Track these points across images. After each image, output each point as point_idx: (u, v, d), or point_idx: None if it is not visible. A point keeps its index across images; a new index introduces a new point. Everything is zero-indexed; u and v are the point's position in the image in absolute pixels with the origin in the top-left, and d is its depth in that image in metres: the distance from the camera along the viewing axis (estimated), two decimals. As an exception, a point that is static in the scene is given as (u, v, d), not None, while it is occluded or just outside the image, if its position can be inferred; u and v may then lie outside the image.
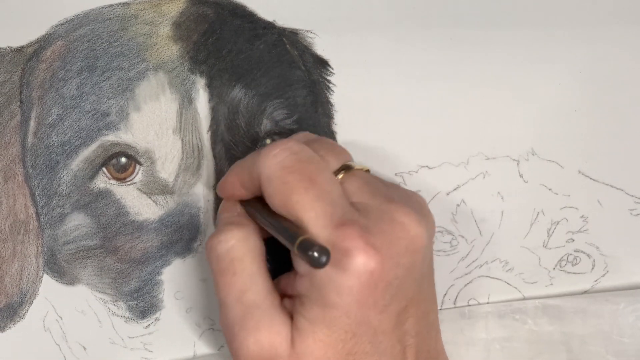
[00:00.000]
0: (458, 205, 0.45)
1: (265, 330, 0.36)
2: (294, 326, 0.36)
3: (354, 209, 0.36)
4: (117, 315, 0.45)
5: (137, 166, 0.43)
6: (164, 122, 0.43)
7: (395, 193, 0.38)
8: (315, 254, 0.33)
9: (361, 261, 0.34)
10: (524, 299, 0.45)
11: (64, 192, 0.44)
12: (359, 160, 0.45)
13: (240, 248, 0.37)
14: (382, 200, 0.37)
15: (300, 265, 0.36)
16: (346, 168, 0.38)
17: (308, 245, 0.34)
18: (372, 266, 0.34)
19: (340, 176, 0.38)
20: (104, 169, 0.43)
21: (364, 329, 0.35)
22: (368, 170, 0.40)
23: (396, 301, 0.35)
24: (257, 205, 0.38)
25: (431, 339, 0.38)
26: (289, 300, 0.37)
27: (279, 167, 0.36)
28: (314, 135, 0.40)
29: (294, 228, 0.35)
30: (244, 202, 0.40)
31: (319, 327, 0.35)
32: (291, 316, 0.37)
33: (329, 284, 0.34)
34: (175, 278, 0.45)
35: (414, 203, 0.38)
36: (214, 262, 0.37)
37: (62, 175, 0.44)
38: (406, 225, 0.36)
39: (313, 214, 0.35)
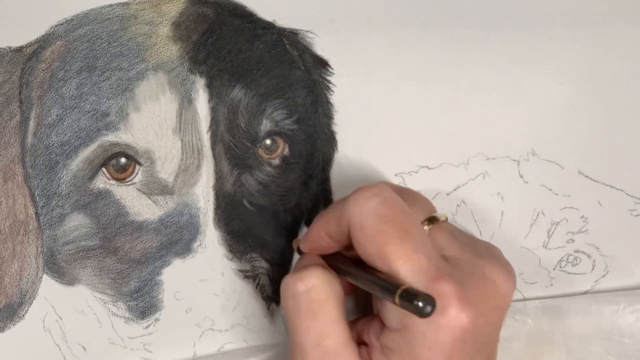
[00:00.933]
0: (458, 205, 0.45)
1: None
2: None
3: (446, 263, 0.36)
4: (117, 315, 0.45)
5: (137, 166, 0.43)
6: (163, 123, 0.43)
7: (480, 246, 0.38)
8: (421, 304, 0.32)
9: (455, 317, 0.34)
10: (524, 299, 0.45)
11: (63, 193, 0.44)
12: (358, 160, 0.45)
13: (324, 291, 0.36)
14: (472, 255, 0.36)
15: (390, 319, 0.35)
16: (431, 219, 0.38)
17: (412, 295, 0.33)
18: (465, 322, 0.34)
19: (427, 228, 0.37)
20: (104, 169, 0.43)
21: None
22: (447, 219, 0.40)
23: (478, 356, 0.35)
24: (341, 259, 0.37)
25: None
26: (365, 349, 0.37)
27: (372, 214, 0.35)
28: (397, 185, 0.40)
29: (389, 279, 0.35)
30: (326, 257, 0.38)
31: None
32: None
33: (422, 339, 0.34)
34: (175, 278, 0.45)
35: (500, 258, 0.38)
36: (290, 301, 0.36)
37: (61, 176, 0.44)
38: (497, 284, 0.35)
39: (410, 267, 0.34)
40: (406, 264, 0.34)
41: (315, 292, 0.36)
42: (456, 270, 0.35)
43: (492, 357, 0.36)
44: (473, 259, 0.36)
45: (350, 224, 0.35)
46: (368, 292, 0.38)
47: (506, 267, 0.36)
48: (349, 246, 0.38)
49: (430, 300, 0.32)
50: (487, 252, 0.37)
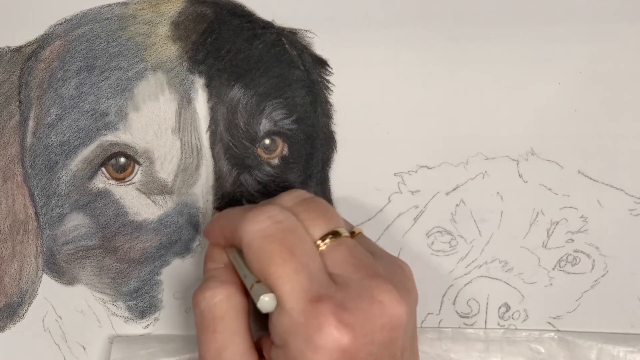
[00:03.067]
0: (457, 205, 0.45)
1: None
2: None
3: (331, 283, 0.36)
4: (117, 315, 0.45)
5: (136, 166, 0.43)
6: (162, 122, 0.43)
7: (381, 264, 0.38)
8: (266, 298, 0.35)
9: (333, 338, 0.34)
10: (540, 330, 0.46)
11: (63, 192, 0.44)
12: (357, 159, 0.45)
13: (223, 306, 0.37)
14: (364, 275, 0.36)
15: (275, 334, 0.36)
16: (334, 234, 0.38)
17: (257, 291, 0.35)
18: (344, 343, 0.34)
19: (326, 242, 0.38)
20: (103, 169, 0.43)
21: None
22: (360, 232, 0.40)
23: None
24: (238, 258, 0.39)
25: None
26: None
27: (260, 235, 0.36)
28: (307, 195, 0.40)
29: (254, 276, 0.37)
30: (228, 251, 0.40)
31: None
32: None
33: (299, 357, 0.35)
34: (174, 278, 0.45)
35: (398, 276, 0.38)
36: (197, 317, 0.38)
37: (61, 176, 0.44)
38: (385, 304, 0.35)
39: (289, 287, 0.35)
40: (286, 284, 0.35)
41: (216, 307, 0.37)
42: (341, 291, 0.36)
43: None
44: (363, 279, 0.36)
45: (242, 241, 0.37)
46: None
47: (398, 287, 0.37)
48: None
49: (272, 297, 0.35)
50: (386, 271, 0.38)
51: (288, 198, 0.39)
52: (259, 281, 0.36)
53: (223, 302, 0.37)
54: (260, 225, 0.36)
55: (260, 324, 0.40)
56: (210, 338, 0.37)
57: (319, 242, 0.38)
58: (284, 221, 0.37)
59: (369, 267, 0.37)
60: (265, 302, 0.35)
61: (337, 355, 0.34)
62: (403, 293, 0.37)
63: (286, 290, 0.35)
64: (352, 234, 0.39)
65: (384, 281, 0.36)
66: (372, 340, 0.35)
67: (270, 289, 0.35)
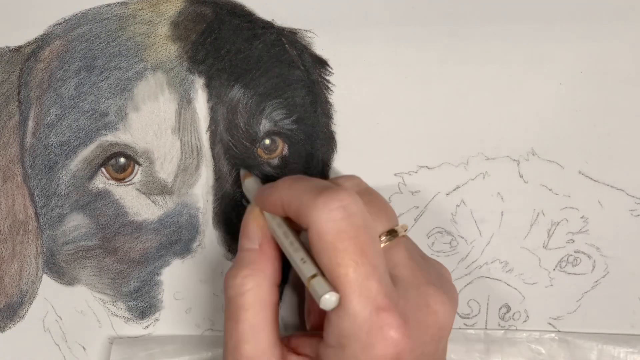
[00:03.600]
0: (458, 205, 0.45)
1: None
2: None
3: (394, 289, 0.36)
4: (117, 315, 0.45)
5: (136, 166, 0.43)
6: (162, 122, 0.43)
7: (432, 269, 0.38)
8: (327, 296, 0.34)
9: (393, 350, 0.34)
10: (540, 330, 0.46)
11: (62, 193, 0.44)
12: (357, 159, 0.45)
13: (250, 297, 0.37)
14: (421, 282, 0.37)
15: (329, 334, 0.36)
16: (391, 232, 0.38)
17: (320, 287, 0.35)
18: (401, 354, 0.35)
19: (385, 240, 0.38)
20: (103, 169, 0.43)
21: None
22: (405, 230, 0.40)
23: None
24: (285, 229, 0.38)
25: None
26: (297, 358, 0.38)
27: (332, 227, 0.35)
28: (365, 185, 0.40)
29: (312, 262, 0.36)
30: (271, 218, 0.39)
31: None
32: None
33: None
34: (174, 278, 0.45)
35: (446, 284, 0.38)
36: (225, 302, 0.38)
37: (60, 176, 0.44)
38: (439, 315, 0.36)
39: (358, 293, 0.34)
40: (355, 290, 0.34)
41: (242, 298, 0.37)
42: (403, 297, 0.36)
43: None
44: (421, 285, 0.37)
45: (310, 226, 0.35)
46: (315, 306, 0.39)
47: (450, 297, 0.37)
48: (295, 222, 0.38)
49: (335, 296, 0.34)
50: (436, 276, 0.38)
51: (350, 184, 0.39)
52: (316, 275, 0.35)
53: (250, 293, 0.37)
54: (333, 215, 0.35)
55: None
56: (233, 327, 0.37)
57: (382, 237, 0.37)
58: (356, 214, 0.35)
59: (425, 273, 0.37)
60: (327, 301, 0.34)
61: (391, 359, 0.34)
62: (453, 303, 0.37)
63: (355, 296, 0.34)
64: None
65: (439, 291, 0.37)
66: (422, 351, 0.35)
67: (334, 287, 0.35)
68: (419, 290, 0.36)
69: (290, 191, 0.37)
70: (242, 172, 0.43)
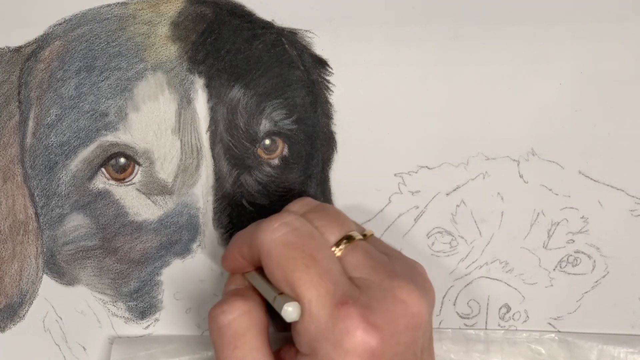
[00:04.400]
0: (458, 205, 0.45)
1: None
2: None
3: (354, 286, 0.36)
4: (117, 315, 0.45)
5: (136, 167, 0.43)
6: (162, 123, 0.43)
7: (398, 265, 0.38)
8: (290, 308, 0.35)
9: (362, 340, 0.34)
10: (540, 331, 0.46)
11: (63, 193, 0.44)
12: (357, 160, 0.45)
13: (244, 321, 0.37)
14: (384, 276, 0.37)
15: (301, 344, 0.36)
16: (347, 238, 0.38)
17: (280, 302, 0.35)
18: (373, 345, 0.34)
19: (341, 247, 0.38)
20: (103, 169, 0.43)
21: None
22: (372, 234, 0.40)
23: None
24: (256, 278, 0.39)
25: None
26: None
27: (279, 242, 0.36)
28: (316, 202, 0.40)
29: (275, 289, 0.37)
30: (246, 275, 0.40)
31: None
32: None
33: None
34: (174, 279, 0.45)
35: (416, 276, 0.38)
36: (215, 332, 0.37)
37: (61, 176, 0.44)
38: (408, 303, 0.36)
39: (315, 293, 0.35)
40: (311, 290, 0.35)
41: (236, 323, 0.37)
42: (364, 293, 0.36)
43: None
44: (384, 280, 0.37)
45: (260, 252, 0.37)
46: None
47: (419, 286, 0.37)
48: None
49: (295, 306, 0.35)
50: (404, 272, 0.38)
51: (298, 206, 0.39)
52: (281, 293, 0.36)
53: (244, 317, 0.37)
54: (277, 233, 0.36)
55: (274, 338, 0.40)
56: (230, 355, 0.37)
57: (334, 247, 0.38)
58: (300, 227, 0.37)
59: (388, 269, 0.37)
60: (290, 312, 0.35)
61: (366, 357, 0.34)
62: (423, 292, 0.37)
63: (313, 296, 0.35)
64: (364, 236, 0.39)
65: (405, 281, 0.36)
66: (397, 341, 0.35)
67: (293, 299, 0.35)
68: (382, 284, 0.36)
69: (240, 236, 0.39)
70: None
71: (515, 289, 0.46)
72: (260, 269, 0.39)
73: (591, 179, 0.45)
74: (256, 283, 0.39)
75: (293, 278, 0.35)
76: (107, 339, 0.45)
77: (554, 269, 0.46)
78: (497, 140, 0.45)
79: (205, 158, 0.44)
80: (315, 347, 0.35)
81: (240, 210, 0.44)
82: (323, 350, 0.35)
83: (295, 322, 0.36)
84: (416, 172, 0.45)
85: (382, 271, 0.37)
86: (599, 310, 0.46)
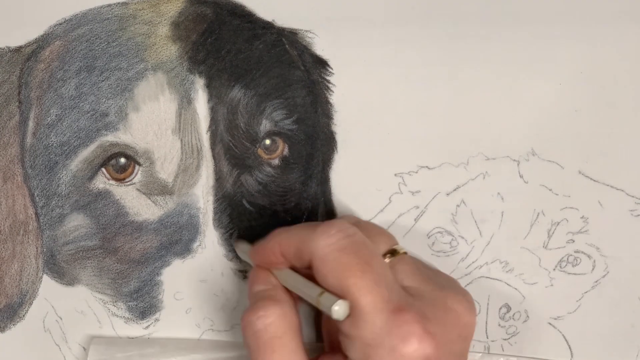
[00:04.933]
0: (458, 205, 0.45)
1: None
2: None
3: (407, 294, 0.36)
4: (117, 315, 0.45)
5: (136, 167, 0.43)
6: (163, 123, 0.43)
7: (440, 278, 0.39)
8: (336, 307, 0.35)
9: (418, 347, 0.34)
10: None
11: (63, 193, 0.44)
12: (358, 160, 0.45)
13: (280, 325, 0.37)
14: (433, 287, 0.37)
15: (353, 351, 0.36)
16: (392, 252, 0.39)
17: (328, 299, 0.35)
18: (428, 352, 0.34)
19: (387, 260, 0.39)
20: (103, 169, 0.43)
21: None
22: (406, 252, 0.41)
23: None
24: (292, 276, 0.39)
25: None
26: None
27: (334, 248, 0.36)
28: (358, 219, 0.41)
29: (317, 287, 0.37)
30: (277, 272, 0.40)
31: None
32: None
33: None
34: (174, 279, 0.45)
35: (459, 289, 0.39)
36: (251, 338, 0.37)
37: (61, 176, 0.44)
38: (459, 313, 0.36)
39: (370, 298, 0.35)
40: (367, 295, 0.35)
41: (272, 327, 0.37)
42: (418, 301, 0.36)
43: None
44: (434, 290, 0.37)
45: (313, 255, 0.37)
46: (330, 328, 0.40)
47: (466, 297, 0.38)
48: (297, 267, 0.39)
49: (343, 305, 0.35)
50: (447, 283, 0.39)
51: (343, 219, 0.40)
52: (323, 292, 0.36)
53: (280, 320, 0.37)
54: (332, 238, 0.36)
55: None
56: (269, 358, 0.37)
57: (385, 258, 0.38)
58: (355, 234, 0.37)
59: (435, 280, 0.38)
60: (337, 311, 0.35)
61: None
62: (471, 302, 0.38)
63: (368, 302, 0.35)
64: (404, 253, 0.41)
65: (453, 292, 0.37)
66: (450, 350, 0.35)
67: (338, 297, 0.35)
68: (433, 294, 0.37)
69: (287, 234, 0.39)
70: (235, 242, 0.44)
71: (516, 288, 0.46)
72: (293, 268, 0.39)
73: (591, 179, 0.45)
74: (293, 282, 0.39)
75: (348, 283, 0.35)
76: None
77: (554, 269, 0.46)
78: (497, 140, 0.45)
79: (206, 158, 0.44)
80: (368, 353, 0.35)
81: (240, 210, 0.44)
82: (377, 357, 0.35)
83: (348, 327, 0.35)
84: (416, 172, 0.45)
85: (430, 283, 0.38)
86: (599, 309, 0.46)
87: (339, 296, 0.35)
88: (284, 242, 0.39)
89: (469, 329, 0.37)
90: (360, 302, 0.35)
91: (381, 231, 0.40)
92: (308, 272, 0.38)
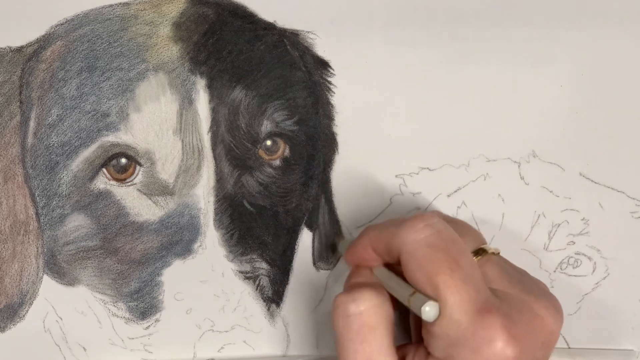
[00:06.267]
0: (459, 207, 0.45)
1: None
2: None
3: (495, 296, 0.36)
4: (117, 316, 0.45)
5: (137, 167, 0.43)
6: (164, 123, 0.43)
7: (528, 281, 0.38)
8: (427, 308, 0.34)
9: (501, 351, 0.34)
10: None
11: (64, 193, 0.44)
12: (359, 161, 0.45)
13: (375, 315, 0.36)
14: (520, 290, 0.37)
15: (436, 347, 0.36)
16: (480, 251, 0.38)
17: (419, 299, 0.35)
18: (511, 357, 0.34)
19: (479, 257, 0.38)
20: (104, 169, 0.43)
21: None
22: (499, 252, 0.40)
23: None
24: (384, 273, 0.38)
25: None
26: None
27: (424, 243, 0.36)
28: (448, 215, 0.41)
29: (409, 287, 0.36)
30: (374, 269, 0.39)
31: None
32: None
33: None
34: (175, 279, 0.45)
35: (548, 294, 0.38)
36: (341, 322, 0.36)
37: (62, 176, 0.44)
38: (545, 320, 0.36)
39: (458, 297, 0.34)
40: (455, 294, 0.34)
41: (367, 315, 0.36)
42: (504, 304, 0.36)
43: None
44: (521, 294, 0.37)
45: (401, 250, 0.36)
46: (417, 321, 0.39)
47: (553, 304, 0.37)
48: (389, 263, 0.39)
49: (434, 306, 0.34)
50: (535, 288, 0.38)
51: (431, 214, 0.39)
52: (415, 292, 0.35)
53: (375, 310, 0.36)
54: (422, 233, 0.36)
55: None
56: (358, 348, 0.36)
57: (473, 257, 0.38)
58: (444, 230, 0.36)
59: (522, 284, 0.37)
60: (427, 312, 0.34)
61: None
62: (558, 309, 0.37)
63: (455, 301, 0.34)
64: (494, 253, 0.40)
65: (540, 297, 0.37)
66: (533, 356, 0.35)
67: (430, 298, 0.35)
68: (520, 298, 0.36)
69: (376, 230, 0.38)
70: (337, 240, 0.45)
71: (516, 290, 0.46)
72: (387, 266, 0.39)
73: (592, 180, 0.45)
74: (386, 279, 0.38)
75: (437, 280, 0.35)
76: (108, 339, 0.45)
77: (555, 271, 0.46)
78: (498, 141, 0.45)
79: (207, 159, 0.44)
80: (451, 353, 0.35)
81: (241, 211, 0.44)
82: (460, 356, 0.34)
83: (432, 325, 0.35)
84: (417, 174, 0.45)
85: (518, 285, 0.37)
86: (600, 311, 0.46)
87: (429, 297, 0.35)
88: (373, 238, 0.38)
89: (553, 337, 0.36)
90: (448, 301, 0.34)
91: (470, 229, 0.40)
92: (400, 269, 0.37)
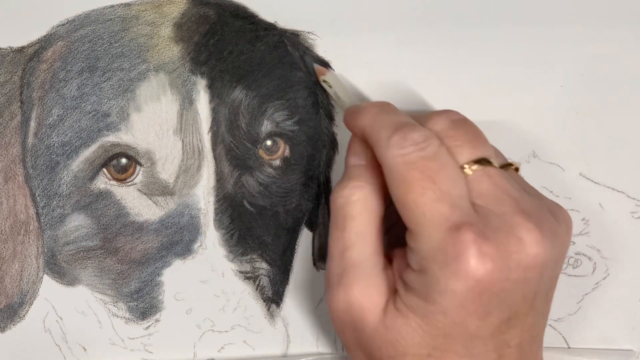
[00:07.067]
0: (459, 207, 0.45)
1: (358, 291, 0.37)
2: (390, 301, 0.37)
3: (473, 212, 0.36)
4: (117, 316, 0.45)
5: (138, 167, 0.43)
6: (164, 123, 0.43)
7: (531, 204, 0.37)
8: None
9: (470, 267, 0.34)
10: None
11: (64, 193, 0.44)
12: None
13: (356, 207, 0.38)
14: (507, 210, 0.36)
15: (412, 259, 0.36)
16: (483, 162, 0.37)
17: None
18: (480, 274, 0.34)
19: (473, 168, 0.37)
20: (104, 169, 0.43)
21: (459, 331, 0.35)
22: (516, 167, 0.40)
23: (499, 311, 0.35)
24: (336, 80, 0.41)
25: (532, 352, 0.38)
26: (396, 274, 0.38)
27: (401, 161, 0.36)
28: (458, 117, 0.39)
29: None
30: (323, 78, 0.42)
31: (414, 315, 0.36)
32: (392, 287, 0.38)
33: (436, 284, 0.35)
34: (175, 279, 0.45)
35: (547, 219, 0.37)
36: (332, 212, 0.39)
37: (62, 176, 0.44)
38: (524, 242, 0.35)
39: (428, 216, 0.35)
40: (425, 213, 0.35)
41: (350, 206, 0.38)
42: (482, 221, 0.35)
43: (519, 316, 0.36)
44: (506, 213, 0.36)
45: (382, 165, 0.37)
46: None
47: (543, 229, 0.36)
48: None
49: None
50: (534, 212, 0.37)
51: (437, 119, 0.39)
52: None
53: (358, 202, 0.38)
54: (401, 151, 0.36)
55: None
56: (339, 235, 0.38)
57: (465, 166, 0.37)
58: (426, 148, 0.36)
59: (514, 203, 0.36)
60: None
61: (471, 284, 0.34)
62: (547, 234, 0.36)
63: (426, 219, 0.35)
64: (507, 166, 0.39)
65: (527, 219, 0.36)
66: (507, 276, 0.35)
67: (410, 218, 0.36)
68: (502, 217, 0.36)
69: (372, 123, 0.39)
70: (316, 67, 0.45)
71: (516, 290, 0.45)
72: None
73: (592, 181, 0.45)
74: (334, 85, 0.41)
75: (407, 199, 0.36)
76: (108, 339, 0.45)
77: (555, 271, 0.46)
78: (498, 142, 0.45)
79: (207, 159, 0.44)
80: (424, 266, 0.35)
81: (241, 211, 0.44)
82: (430, 270, 0.35)
83: (409, 239, 0.36)
84: (417, 174, 0.45)
85: (507, 204, 0.36)
86: (600, 312, 0.46)
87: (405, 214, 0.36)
88: (367, 130, 0.39)
89: (533, 259, 0.35)
90: (417, 219, 0.35)
91: (470, 138, 0.38)
92: None
